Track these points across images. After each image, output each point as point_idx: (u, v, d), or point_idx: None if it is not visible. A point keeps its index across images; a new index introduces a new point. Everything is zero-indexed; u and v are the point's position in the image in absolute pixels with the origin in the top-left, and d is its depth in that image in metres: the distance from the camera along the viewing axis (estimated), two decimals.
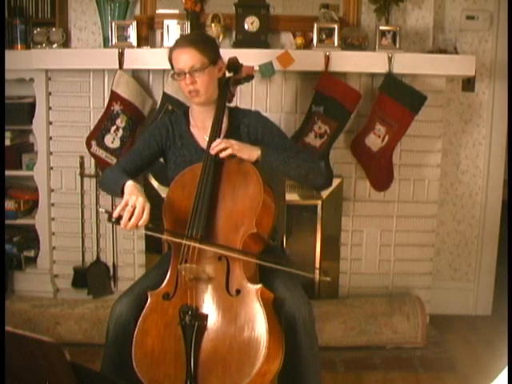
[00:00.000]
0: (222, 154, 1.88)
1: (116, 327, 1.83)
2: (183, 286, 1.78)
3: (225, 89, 2.07)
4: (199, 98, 2.00)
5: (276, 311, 1.78)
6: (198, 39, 2.05)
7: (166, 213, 1.90)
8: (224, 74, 2.09)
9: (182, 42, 2.03)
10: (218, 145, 1.89)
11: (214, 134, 1.96)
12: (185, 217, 1.84)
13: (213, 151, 1.89)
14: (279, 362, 1.68)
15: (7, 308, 2.83)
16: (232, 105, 2.17)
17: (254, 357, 1.62)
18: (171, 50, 2.03)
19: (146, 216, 1.76)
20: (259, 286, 1.73)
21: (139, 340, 1.74)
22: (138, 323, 1.77)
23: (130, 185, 1.85)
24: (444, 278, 3.34)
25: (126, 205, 1.76)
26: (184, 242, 1.80)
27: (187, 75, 1.96)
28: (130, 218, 1.74)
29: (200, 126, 2.09)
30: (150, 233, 1.84)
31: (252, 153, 1.91)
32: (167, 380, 1.67)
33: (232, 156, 1.89)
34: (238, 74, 2.14)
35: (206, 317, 1.71)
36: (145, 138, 2.13)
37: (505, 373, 1.10)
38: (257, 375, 1.61)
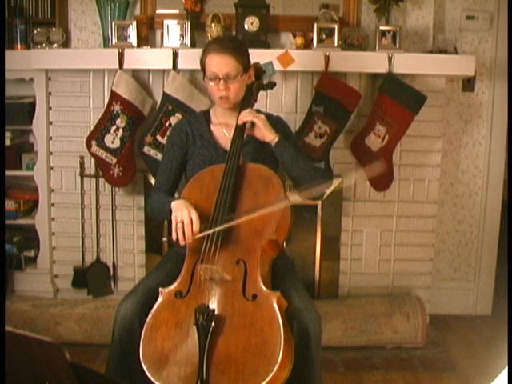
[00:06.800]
0: (247, 119, 1.98)
1: (121, 328, 1.83)
2: (198, 286, 1.78)
3: (249, 93, 2.11)
4: (228, 104, 2.06)
5: (288, 319, 1.77)
6: (235, 45, 2.05)
7: None
8: (252, 80, 2.12)
9: (219, 46, 2.03)
10: (245, 116, 1.98)
11: (237, 139, 1.98)
12: (202, 217, 1.85)
13: (240, 122, 1.98)
14: (289, 370, 1.68)
15: (7, 308, 2.83)
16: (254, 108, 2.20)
17: (268, 363, 1.62)
18: (205, 52, 2.04)
19: (195, 223, 1.82)
20: (278, 292, 1.74)
21: (148, 337, 1.72)
22: (148, 320, 1.76)
23: (173, 205, 1.90)
24: (444, 278, 3.34)
25: (176, 223, 1.83)
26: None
27: (221, 81, 2.00)
28: (183, 233, 1.81)
29: (223, 123, 2.13)
30: (203, 234, 1.83)
31: (270, 134, 1.99)
32: (176, 378, 1.65)
33: (252, 124, 1.98)
34: (261, 79, 2.17)
35: (222, 318, 1.70)
36: (168, 149, 2.17)
37: (505, 373, 1.11)
38: (268, 381, 1.60)
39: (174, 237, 1.84)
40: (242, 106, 2.07)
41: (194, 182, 1.98)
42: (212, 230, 1.81)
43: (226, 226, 1.80)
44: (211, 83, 2.03)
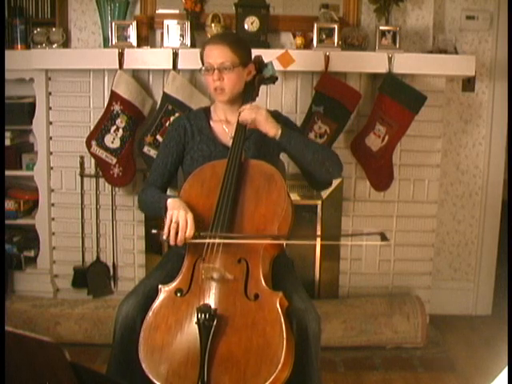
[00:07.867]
0: (248, 118, 1.95)
1: (122, 328, 1.82)
2: (198, 285, 1.77)
3: (251, 87, 2.10)
4: (223, 96, 2.04)
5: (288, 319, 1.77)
6: (233, 39, 2.10)
7: None
8: (252, 78, 2.11)
9: (217, 38, 2.09)
10: (246, 114, 1.96)
11: (240, 135, 1.97)
12: (202, 213, 1.85)
13: (241, 120, 1.96)
14: (289, 370, 1.67)
15: (7, 308, 2.83)
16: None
17: (270, 364, 1.61)
18: (204, 44, 2.07)
19: (190, 227, 1.80)
20: (280, 293, 1.73)
21: (147, 335, 1.71)
22: (147, 317, 1.74)
23: (169, 202, 1.88)
24: (444, 278, 3.34)
25: (170, 222, 1.81)
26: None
27: (215, 71, 2.00)
28: (176, 234, 1.79)
29: (223, 120, 2.13)
30: (196, 241, 1.81)
31: (272, 128, 1.96)
32: (176, 378, 1.64)
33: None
34: (262, 73, 2.16)
35: (223, 318, 1.68)
36: (165, 144, 2.15)
37: (505, 373, 1.10)
38: (270, 383, 1.60)
39: (165, 235, 1.81)
40: (244, 101, 2.06)
41: (195, 177, 1.96)
42: (208, 240, 1.80)
43: (225, 240, 1.79)
44: (207, 74, 2.03)
